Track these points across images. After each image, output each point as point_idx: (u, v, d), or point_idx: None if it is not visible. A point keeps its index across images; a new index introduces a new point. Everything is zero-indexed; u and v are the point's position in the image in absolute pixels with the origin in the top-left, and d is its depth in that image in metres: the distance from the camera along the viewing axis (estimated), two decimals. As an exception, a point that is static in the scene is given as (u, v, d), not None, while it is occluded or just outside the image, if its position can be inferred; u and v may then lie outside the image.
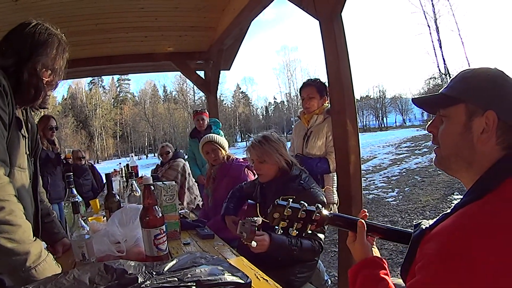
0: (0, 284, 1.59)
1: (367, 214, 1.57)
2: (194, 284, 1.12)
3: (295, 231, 1.51)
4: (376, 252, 1.47)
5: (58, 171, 5.34)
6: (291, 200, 1.51)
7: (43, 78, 1.79)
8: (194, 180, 6.10)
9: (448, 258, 0.97)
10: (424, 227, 1.19)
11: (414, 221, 6.74)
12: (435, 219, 1.17)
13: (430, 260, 1.01)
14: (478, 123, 1.12)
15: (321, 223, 1.52)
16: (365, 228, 1.46)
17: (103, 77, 59.26)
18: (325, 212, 1.52)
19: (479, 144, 1.12)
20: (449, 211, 1.12)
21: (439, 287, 0.97)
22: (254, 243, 2.24)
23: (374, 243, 1.54)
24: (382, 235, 1.51)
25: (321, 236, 2.61)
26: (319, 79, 3.84)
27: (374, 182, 11.50)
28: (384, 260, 1.39)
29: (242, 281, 1.23)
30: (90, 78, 60.09)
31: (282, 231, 1.50)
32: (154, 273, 1.19)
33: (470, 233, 0.97)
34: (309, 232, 1.52)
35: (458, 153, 1.17)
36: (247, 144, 3.08)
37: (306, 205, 1.51)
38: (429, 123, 1.28)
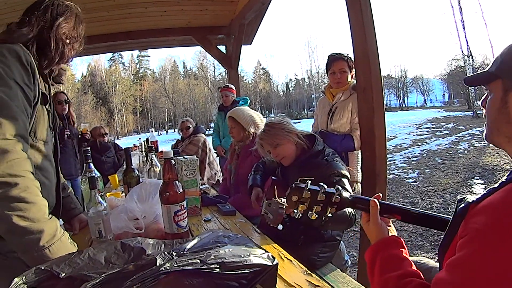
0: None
1: (380, 195, 1.50)
2: (218, 266, 1.05)
3: (314, 214, 1.44)
4: (393, 231, 1.43)
5: (68, 147, 5.33)
6: (309, 182, 1.44)
7: (65, 46, 1.82)
8: (215, 155, 6.11)
9: (495, 235, 0.91)
10: (470, 200, 1.12)
11: (435, 203, 6.68)
12: (481, 194, 1.10)
13: (475, 235, 0.96)
14: None
15: (342, 206, 1.46)
16: (378, 208, 1.41)
17: (122, 54, 60.24)
18: (345, 194, 1.45)
19: None
20: (496, 185, 1.06)
21: (483, 265, 0.91)
22: (280, 226, 2.17)
23: (391, 222, 1.49)
24: (398, 215, 1.45)
25: None
26: (347, 54, 3.72)
27: (394, 162, 11.47)
28: (401, 239, 1.35)
29: (269, 263, 1.15)
30: (110, 55, 61.02)
31: (301, 215, 1.43)
32: (175, 254, 1.12)
33: None
34: (329, 215, 1.45)
35: (498, 127, 1.15)
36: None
37: (326, 187, 1.44)
38: (482, 97, 1.25)
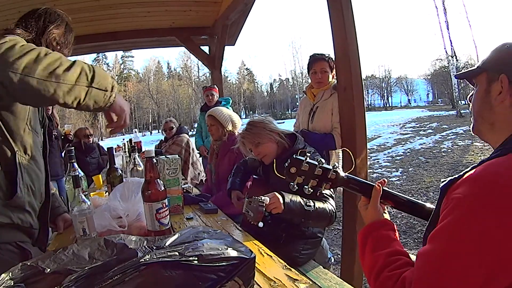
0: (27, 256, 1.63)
1: (385, 181, 1.55)
2: (196, 258, 1.08)
3: (309, 189, 1.48)
4: (387, 217, 1.46)
5: (54, 147, 5.31)
6: (308, 155, 1.49)
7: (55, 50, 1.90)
8: (198, 155, 6.14)
9: (475, 203, 0.99)
10: (452, 178, 1.17)
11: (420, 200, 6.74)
12: (462, 172, 1.16)
13: (456, 204, 1.03)
14: (495, 87, 1.21)
15: (336, 183, 1.50)
16: (380, 193, 1.46)
17: (106, 54, 59.67)
18: (341, 172, 1.50)
19: (496, 104, 1.21)
20: (476, 164, 1.14)
21: (463, 232, 0.98)
22: (261, 224, 2.21)
23: (386, 209, 1.53)
24: (395, 203, 1.50)
25: (332, 202, 2.54)
26: (329, 54, 3.77)
27: (378, 161, 11.55)
28: (393, 223, 1.40)
29: (246, 256, 1.19)
30: (94, 56, 60.33)
31: (297, 188, 1.48)
32: (155, 248, 1.15)
33: (496, 179, 1.00)
34: (323, 192, 1.51)
35: (482, 115, 1.27)
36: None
37: (324, 161, 1.49)
38: (470, 94, 1.36)
